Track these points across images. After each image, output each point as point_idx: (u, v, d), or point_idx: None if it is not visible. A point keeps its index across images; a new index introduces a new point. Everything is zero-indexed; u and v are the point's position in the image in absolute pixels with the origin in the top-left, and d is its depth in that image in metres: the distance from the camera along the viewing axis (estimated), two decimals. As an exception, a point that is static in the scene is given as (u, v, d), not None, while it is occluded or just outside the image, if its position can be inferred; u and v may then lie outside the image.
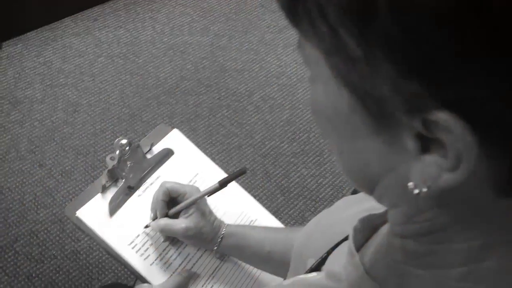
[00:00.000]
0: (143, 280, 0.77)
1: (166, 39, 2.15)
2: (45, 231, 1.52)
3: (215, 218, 0.79)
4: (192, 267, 0.80)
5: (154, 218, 0.79)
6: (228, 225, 0.79)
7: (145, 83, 1.97)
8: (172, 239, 0.80)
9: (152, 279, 0.77)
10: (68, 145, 1.74)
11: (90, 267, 1.47)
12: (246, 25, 2.28)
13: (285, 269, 0.77)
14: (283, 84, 2.08)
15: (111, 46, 2.08)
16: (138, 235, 0.79)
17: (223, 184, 0.74)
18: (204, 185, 0.88)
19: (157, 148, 0.88)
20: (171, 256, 0.80)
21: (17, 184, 1.61)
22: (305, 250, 0.62)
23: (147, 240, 0.79)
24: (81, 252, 1.49)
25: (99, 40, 2.09)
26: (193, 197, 0.76)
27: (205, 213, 0.77)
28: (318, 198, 1.75)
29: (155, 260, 0.78)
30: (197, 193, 0.77)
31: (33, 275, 1.43)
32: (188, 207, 0.76)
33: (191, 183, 0.87)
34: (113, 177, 0.81)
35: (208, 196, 0.76)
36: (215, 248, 0.78)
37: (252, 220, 0.89)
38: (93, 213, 0.77)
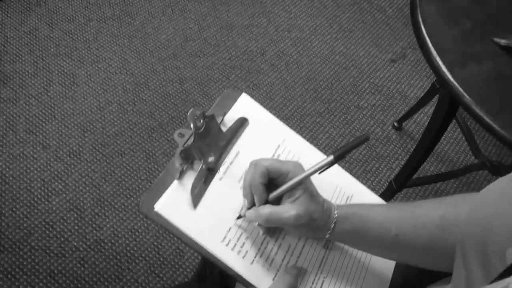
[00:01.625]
0: (246, 284, 0.62)
1: (161, -4, 1.93)
2: (61, 221, 1.35)
3: (323, 199, 0.64)
4: (296, 261, 0.66)
5: (251, 206, 0.63)
6: (339, 206, 0.65)
7: (146, 46, 1.77)
8: (269, 230, 0.65)
9: (256, 281, 0.62)
10: (71, 122, 1.54)
11: (118, 257, 1.31)
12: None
13: (416, 255, 0.63)
14: (296, 38, 1.90)
15: (102, 8, 1.85)
16: (230, 229, 0.64)
17: (339, 156, 0.59)
18: (289, 158, 0.73)
19: (228, 119, 0.71)
20: (271, 251, 0.65)
21: (21, 170, 1.42)
22: (490, 235, 0.48)
23: (241, 234, 0.64)
24: (105, 241, 1.33)
25: (87, 2, 1.86)
26: (300, 175, 0.61)
27: (314, 195, 0.62)
28: (352, 160, 1.62)
29: (255, 257, 0.63)
30: (302, 171, 0.62)
31: (55, 271, 1.27)
32: (292, 189, 0.61)
33: (274, 158, 0.71)
34: (188, 157, 0.65)
35: (319, 173, 0.61)
36: (327, 236, 0.63)
37: (348, 197, 0.74)
38: (174, 206, 0.62)
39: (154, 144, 1.54)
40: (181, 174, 0.64)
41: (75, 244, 1.32)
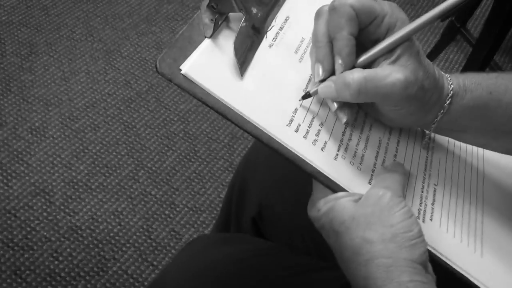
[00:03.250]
0: (332, 185, 0.39)
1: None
2: (26, 208, 1.08)
3: (429, 62, 0.42)
4: (394, 160, 0.44)
5: (327, 76, 0.41)
6: (451, 75, 0.43)
7: (114, 11, 1.53)
8: (348, 111, 0.43)
9: (347, 182, 0.40)
10: (31, 95, 1.28)
11: (100, 245, 1.05)
12: None
13: None
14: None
15: (60, -26, 1.61)
16: (296, 110, 0.41)
17: None
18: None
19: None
20: (357, 145, 0.43)
21: (-29, 151, 1.15)
22: None
23: (313, 118, 0.42)
24: (83, 228, 1.07)
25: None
26: (412, 24, 0.40)
27: (421, 54, 0.41)
28: None
29: (338, 151, 0.41)
30: (403, 15, 0.41)
31: (22, 267, 1.00)
32: (394, 48, 0.39)
33: None
34: (223, 9, 0.42)
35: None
36: (438, 118, 0.42)
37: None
38: (212, 69, 0.39)
39: (134, 115, 1.30)
40: (214, 31, 0.41)
41: (44, 234, 1.05)
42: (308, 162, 0.39)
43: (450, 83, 0.42)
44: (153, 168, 1.20)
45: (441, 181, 0.45)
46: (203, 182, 1.20)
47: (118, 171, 1.18)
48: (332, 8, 0.40)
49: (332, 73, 0.41)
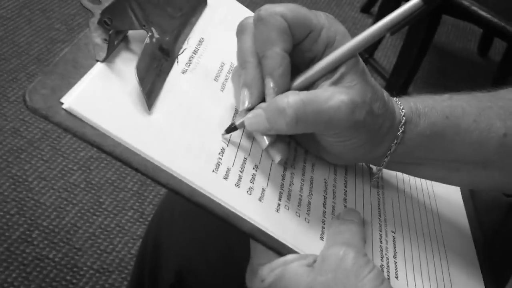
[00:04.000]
0: (276, 247, 0.30)
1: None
2: None
3: (376, 83, 0.36)
4: (344, 207, 0.36)
5: (256, 102, 0.33)
6: (400, 99, 0.37)
7: (-1, 52, 1.37)
8: (279, 146, 0.35)
9: (295, 240, 0.31)
10: None
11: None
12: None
13: None
14: None
15: None
16: (223, 150, 0.32)
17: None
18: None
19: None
20: (301, 191, 0.34)
21: None
22: None
23: (244, 160, 0.33)
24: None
25: None
26: (355, 39, 0.33)
27: (366, 73, 0.34)
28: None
29: (280, 200, 0.32)
30: (342, 29, 0.34)
31: None
32: (336, 67, 0.33)
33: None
34: (119, 26, 0.33)
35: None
36: (391, 149, 0.35)
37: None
38: (105, 103, 0.29)
39: (24, 167, 1.14)
40: (109, 53, 0.31)
41: None
42: (245, 218, 0.29)
43: (401, 107, 0.36)
44: (50, 227, 1.04)
45: (398, 227, 0.38)
46: (111, 238, 1.06)
47: (7, 234, 1.01)
48: (259, 19, 0.32)
49: (262, 99, 0.33)
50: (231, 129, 0.33)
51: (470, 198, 0.48)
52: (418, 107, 0.36)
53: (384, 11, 1.33)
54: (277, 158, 0.33)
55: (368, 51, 1.29)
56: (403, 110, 0.36)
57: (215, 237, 0.46)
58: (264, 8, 0.32)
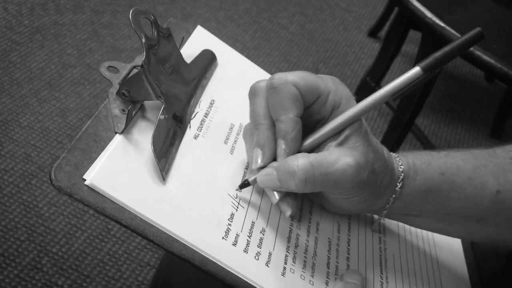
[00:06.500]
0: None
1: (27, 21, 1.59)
2: None
3: (377, 142, 0.38)
4: (347, 264, 0.38)
5: (267, 162, 0.35)
6: (399, 154, 0.39)
7: (11, 77, 1.40)
8: (290, 201, 0.37)
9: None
10: None
11: None
12: None
13: None
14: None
15: None
16: (233, 215, 0.34)
17: (432, 65, 0.34)
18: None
19: (186, 54, 0.42)
20: (306, 251, 0.36)
21: None
22: None
23: (253, 224, 0.35)
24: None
25: None
26: (360, 104, 0.36)
27: (368, 134, 0.37)
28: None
29: (286, 263, 0.34)
30: (348, 92, 0.36)
31: None
32: (341, 130, 0.35)
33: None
34: (135, 98, 0.35)
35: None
36: (390, 202, 0.37)
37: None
38: (123, 176, 0.31)
39: (35, 193, 1.16)
40: (127, 125, 0.33)
41: None
42: (253, 284, 0.31)
43: (400, 163, 0.38)
44: (59, 253, 1.06)
45: (399, 283, 0.39)
46: (118, 265, 1.07)
47: (17, 260, 1.03)
48: (273, 87, 0.34)
49: (273, 158, 0.35)
50: (244, 185, 0.36)
51: (471, 247, 0.49)
52: (416, 163, 0.38)
53: (391, 36, 1.35)
54: (288, 212, 0.36)
55: (374, 80, 1.31)
56: (401, 167, 0.38)
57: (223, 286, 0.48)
58: (278, 77, 0.35)
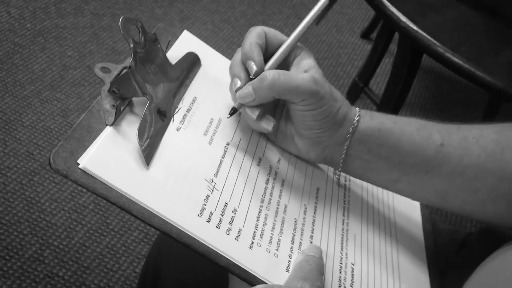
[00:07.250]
0: (248, 278, 0.37)
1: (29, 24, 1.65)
2: None
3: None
4: (310, 241, 0.43)
5: (243, 83, 0.46)
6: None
7: (14, 78, 1.46)
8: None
9: (265, 272, 0.38)
10: None
11: None
12: (129, 1, 1.87)
13: (466, 185, 0.43)
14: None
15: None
16: (208, 197, 0.39)
17: None
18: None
19: (172, 56, 0.48)
20: (273, 228, 0.42)
21: None
22: None
23: (227, 205, 0.40)
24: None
25: None
26: (298, 27, 0.46)
27: (323, 77, 0.45)
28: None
29: (253, 238, 0.40)
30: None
31: None
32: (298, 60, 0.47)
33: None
34: (125, 95, 0.40)
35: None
36: (351, 130, 0.44)
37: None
38: (113, 161, 0.36)
39: (37, 189, 1.21)
40: (116, 118, 0.38)
41: None
42: (222, 254, 0.36)
43: (356, 108, 0.45)
44: (60, 246, 1.11)
45: (358, 259, 0.44)
46: (117, 257, 1.12)
47: (20, 253, 1.08)
48: (250, 31, 0.45)
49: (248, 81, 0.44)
50: (232, 112, 0.44)
51: (432, 232, 0.55)
52: (371, 112, 0.46)
53: (379, 38, 1.41)
54: (270, 124, 0.44)
55: (362, 81, 1.36)
56: (358, 108, 0.45)
57: (206, 267, 0.53)
58: (253, 28, 0.45)
